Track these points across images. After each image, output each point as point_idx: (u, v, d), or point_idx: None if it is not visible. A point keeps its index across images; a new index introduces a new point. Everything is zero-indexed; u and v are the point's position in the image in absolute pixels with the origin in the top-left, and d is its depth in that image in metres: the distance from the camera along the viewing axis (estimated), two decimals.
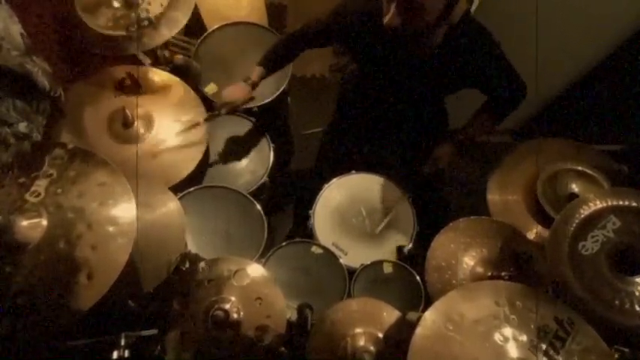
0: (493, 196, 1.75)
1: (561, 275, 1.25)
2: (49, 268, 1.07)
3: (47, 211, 1.12)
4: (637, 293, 1.21)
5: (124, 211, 1.15)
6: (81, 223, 1.11)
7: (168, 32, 1.66)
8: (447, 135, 1.84)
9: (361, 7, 1.49)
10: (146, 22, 1.64)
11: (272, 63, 1.74)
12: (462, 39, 1.42)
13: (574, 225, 1.30)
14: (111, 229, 1.12)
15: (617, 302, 1.21)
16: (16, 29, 1.38)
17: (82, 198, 1.14)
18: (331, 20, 1.57)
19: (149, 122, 1.64)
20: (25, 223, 1.09)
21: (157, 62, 1.87)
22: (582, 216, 1.31)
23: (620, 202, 1.31)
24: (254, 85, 1.72)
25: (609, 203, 1.31)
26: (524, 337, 1.09)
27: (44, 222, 1.11)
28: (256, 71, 1.72)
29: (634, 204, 1.30)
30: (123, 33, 1.63)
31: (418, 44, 1.45)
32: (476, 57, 1.46)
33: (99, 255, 1.08)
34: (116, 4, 1.66)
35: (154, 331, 1.35)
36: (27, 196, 1.14)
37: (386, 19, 1.27)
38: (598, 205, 1.31)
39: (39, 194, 1.14)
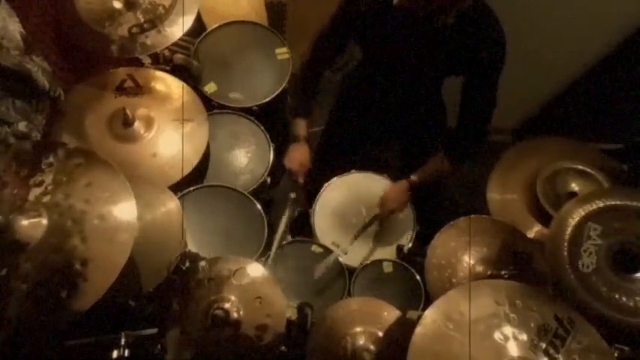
0: (493, 195, 1.75)
1: (578, 301, 1.23)
2: (47, 269, 1.05)
3: (48, 210, 1.11)
4: None
5: (124, 211, 1.14)
6: (81, 224, 1.10)
7: (172, 35, 1.65)
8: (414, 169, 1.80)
9: None
10: (149, 25, 1.64)
11: (304, 105, 1.83)
12: (473, 26, 1.41)
13: (565, 249, 1.29)
14: (111, 230, 1.11)
15: (631, 304, 1.20)
16: (15, 28, 1.38)
17: (81, 198, 1.13)
18: (342, 10, 1.59)
19: (149, 122, 1.64)
20: (25, 222, 1.07)
21: (156, 61, 1.87)
22: (567, 237, 1.30)
23: (589, 207, 1.31)
24: (306, 139, 1.80)
25: (582, 213, 1.31)
26: (524, 336, 1.09)
27: (44, 221, 1.10)
28: (299, 125, 1.81)
29: (602, 204, 1.30)
30: (125, 35, 1.62)
31: (429, 23, 1.43)
32: (480, 45, 1.45)
33: (97, 255, 1.07)
34: (117, 5, 1.66)
35: (153, 331, 1.36)
36: (27, 196, 1.13)
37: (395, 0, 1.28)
38: (574, 219, 1.31)
39: (40, 193, 1.13)
